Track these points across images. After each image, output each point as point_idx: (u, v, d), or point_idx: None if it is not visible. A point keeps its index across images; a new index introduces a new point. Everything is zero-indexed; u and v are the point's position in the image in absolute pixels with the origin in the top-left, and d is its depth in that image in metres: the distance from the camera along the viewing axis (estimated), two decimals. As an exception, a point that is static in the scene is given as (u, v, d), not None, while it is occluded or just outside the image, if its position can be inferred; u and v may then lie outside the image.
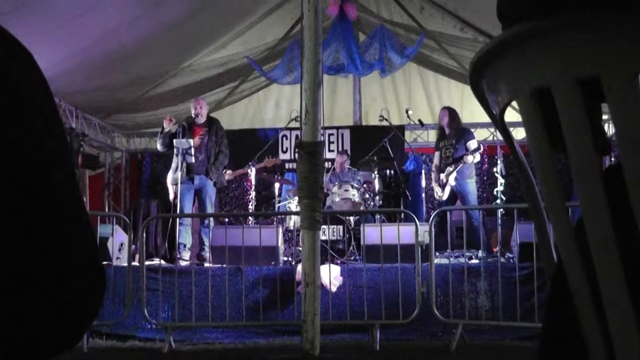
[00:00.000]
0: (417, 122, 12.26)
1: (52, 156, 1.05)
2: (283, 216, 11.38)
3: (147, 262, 9.04)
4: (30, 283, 0.98)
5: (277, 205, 11.59)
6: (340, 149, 13.61)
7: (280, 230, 9.83)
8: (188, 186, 10.41)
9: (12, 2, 8.27)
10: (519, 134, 10.20)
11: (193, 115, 10.66)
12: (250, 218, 11.71)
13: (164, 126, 10.55)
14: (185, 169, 10.29)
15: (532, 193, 1.40)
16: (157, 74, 12.82)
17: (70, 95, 11.58)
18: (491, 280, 8.42)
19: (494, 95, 1.24)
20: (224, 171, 10.94)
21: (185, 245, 10.34)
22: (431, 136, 13.58)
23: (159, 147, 10.85)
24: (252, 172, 11.81)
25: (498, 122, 1.28)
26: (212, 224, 10.33)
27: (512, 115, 1.27)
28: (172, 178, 10.45)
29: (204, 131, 10.59)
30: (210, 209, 10.55)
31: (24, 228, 0.98)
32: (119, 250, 10.00)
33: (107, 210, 14.48)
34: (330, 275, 8.53)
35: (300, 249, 8.20)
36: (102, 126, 14.30)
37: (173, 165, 10.47)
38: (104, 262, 9.01)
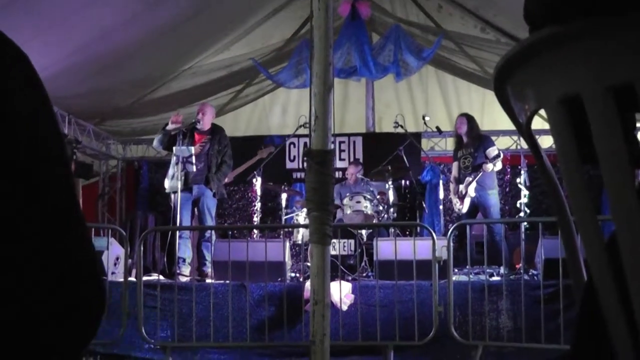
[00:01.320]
0: (435, 130, 12.25)
1: (49, 164, 1.06)
2: (290, 229, 11.38)
3: (144, 278, 9.04)
4: (25, 300, 0.99)
5: (284, 218, 11.58)
6: (352, 157, 13.62)
7: (288, 244, 9.82)
8: (187, 196, 10.43)
9: (1, 1, 8.30)
10: (544, 142, 10.20)
11: (197, 121, 10.64)
12: (255, 231, 11.70)
13: (169, 123, 10.55)
14: (184, 178, 10.29)
15: (560, 206, 1.40)
16: (155, 77, 12.85)
17: (62, 100, 11.56)
18: (514, 299, 8.39)
19: (520, 103, 1.25)
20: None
21: (185, 260, 10.34)
22: (449, 144, 13.57)
23: (155, 143, 10.85)
24: (257, 182, 11.79)
25: (524, 131, 1.29)
26: (214, 237, 10.34)
27: (536, 122, 1.27)
28: (170, 186, 10.47)
29: (206, 139, 10.62)
30: (210, 221, 10.54)
31: (17, 240, 0.99)
32: (115, 264, 10.01)
33: (101, 222, 14.48)
34: (341, 292, 8.52)
35: (308, 264, 8.19)
36: (96, 132, 14.32)
37: (170, 172, 10.48)
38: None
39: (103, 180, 15.52)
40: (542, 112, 1.20)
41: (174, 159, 10.38)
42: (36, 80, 1.11)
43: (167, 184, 10.58)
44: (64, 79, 10.65)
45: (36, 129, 1.06)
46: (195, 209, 10.61)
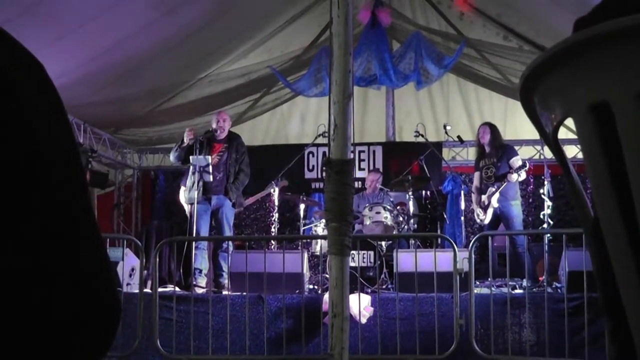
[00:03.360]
0: (456, 139, 12.20)
1: (63, 172, 1.06)
2: (309, 240, 11.37)
3: (160, 289, 9.06)
4: (38, 312, 0.99)
5: (302, 229, 11.58)
6: (371, 167, 13.60)
7: (306, 255, 9.81)
8: (205, 207, 10.42)
9: (16, 9, 8.34)
10: (568, 152, 10.13)
11: (213, 130, 10.60)
12: (272, 242, 11.69)
13: (184, 139, 10.55)
14: (201, 188, 10.29)
15: (586, 216, 1.39)
16: (171, 86, 12.88)
17: (77, 109, 11.58)
18: (537, 312, 8.36)
19: (546, 112, 1.24)
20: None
21: (201, 271, 10.33)
22: (471, 154, 13.53)
23: (172, 158, 10.86)
24: (275, 192, 11.77)
25: (551, 140, 1.28)
26: (231, 248, 10.34)
27: (561, 131, 1.26)
28: (187, 197, 10.46)
29: (224, 148, 10.61)
30: (228, 232, 10.55)
31: (29, 251, 0.99)
32: (130, 275, 10.04)
33: (117, 232, 14.51)
34: (360, 305, 8.50)
35: (327, 276, 8.18)
36: (112, 141, 14.37)
37: (188, 183, 10.46)
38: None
39: (119, 189, 15.57)
40: (568, 121, 1.19)
41: (191, 169, 10.37)
42: (50, 87, 1.11)
43: (184, 194, 10.58)
44: (80, 87, 10.69)
45: (50, 136, 1.06)
46: (213, 220, 10.60)
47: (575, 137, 1.21)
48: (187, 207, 10.51)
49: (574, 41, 1.09)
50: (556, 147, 1.29)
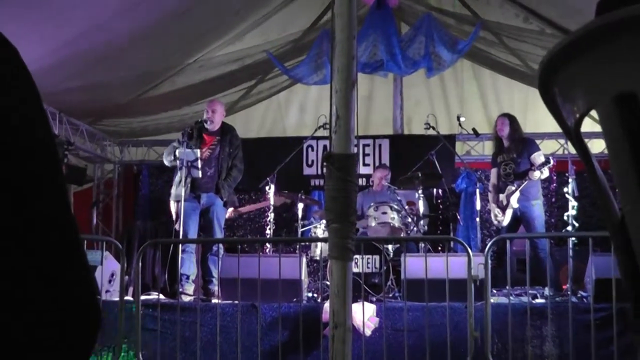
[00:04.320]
0: (471, 132, 12.20)
1: (37, 166, 1.06)
2: (307, 243, 11.39)
3: (142, 297, 9.08)
4: (8, 323, 0.99)
5: (300, 230, 11.59)
6: (377, 162, 13.62)
7: (304, 260, 9.82)
8: (193, 205, 10.39)
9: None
10: (594, 146, 10.16)
11: (203, 121, 10.56)
12: (267, 245, 11.71)
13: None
14: (189, 185, 10.24)
15: (613, 218, 1.39)
16: (157, 71, 12.88)
17: (52, 96, 11.51)
18: (560, 323, 8.37)
19: (568, 103, 1.24)
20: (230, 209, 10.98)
21: (188, 277, 10.32)
22: (487, 148, 13.55)
23: (165, 161, 10.82)
24: (270, 190, 11.77)
25: (573, 135, 1.28)
26: (221, 251, 10.34)
27: (586, 124, 1.27)
28: (174, 194, 10.46)
29: (216, 141, 10.58)
30: (219, 233, 10.56)
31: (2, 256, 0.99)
32: (110, 281, 10.05)
33: (95, 233, 14.51)
34: (364, 315, 8.52)
35: (327, 283, 8.20)
36: (90, 133, 14.37)
37: (176, 179, 10.44)
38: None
39: (98, 186, 15.57)
40: (593, 112, 1.19)
41: (178, 163, 10.30)
42: (24, 74, 1.11)
43: (173, 192, 10.56)
44: (55, 73, 10.66)
45: (24, 127, 1.06)
46: (202, 220, 10.58)
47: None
48: (173, 206, 10.46)
49: (600, 25, 1.10)
50: (579, 141, 1.30)
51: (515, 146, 10.92)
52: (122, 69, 11.98)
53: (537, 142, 11.49)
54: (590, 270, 8.78)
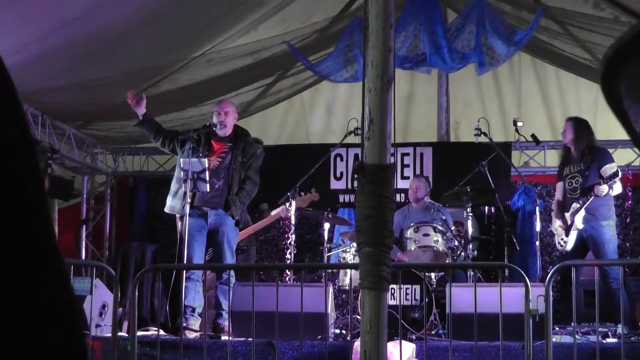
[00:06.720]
0: (530, 139, 12.20)
1: (13, 178, 1.08)
2: (335, 270, 11.39)
3: (139, 333, 9.12)
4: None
5: (326, 255, 11.60)
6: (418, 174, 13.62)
7: (331, 290, 9.85)
8: (199, 224, 10.35)
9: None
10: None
11: (213, 125, 10.47)
12: (287, 272, 11.74)
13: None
14: (190, 200, 10.08)
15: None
16: (158, 67, 12.90)
17: (33, 96, 11.53)
18: (635, 367, 8.35)
19: (636, 105, 1.25)
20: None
21: (194, 310, 10.32)
22: (550, 158, 13.53)
23: (158, 143, 10.87)
24: (291, 207, 11.74)
25: (640, 142, 1.29)
26: (233, 279, 10.34)
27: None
28: (170, 206, 10.47)
29: (227, 148, 10.53)
30: (230, 259, 10.50)
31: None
32: (101, 314, 10.10)
33: (84, 257, 14.56)
34: (402, 356, 8.53)
35: (358, 317, 8.21)
36: (79, 139, 14.42)
37: (173, 188, 10.46)
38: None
39: (87, 201, 15.63)
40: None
41: (181, 174, 10.14)
42: (3, 74, 1.13)
43: (168, 203, 10.53)
44: (37, 69, 10.70)
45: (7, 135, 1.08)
46: (210, 242, 10.52)
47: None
48: (178, 225, 10.46)
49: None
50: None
51: (583, 156, 10.87)
52: (117, 64, 12.03)
53: (610, 151, 11.44)
54: (672, 304, 8.77)
